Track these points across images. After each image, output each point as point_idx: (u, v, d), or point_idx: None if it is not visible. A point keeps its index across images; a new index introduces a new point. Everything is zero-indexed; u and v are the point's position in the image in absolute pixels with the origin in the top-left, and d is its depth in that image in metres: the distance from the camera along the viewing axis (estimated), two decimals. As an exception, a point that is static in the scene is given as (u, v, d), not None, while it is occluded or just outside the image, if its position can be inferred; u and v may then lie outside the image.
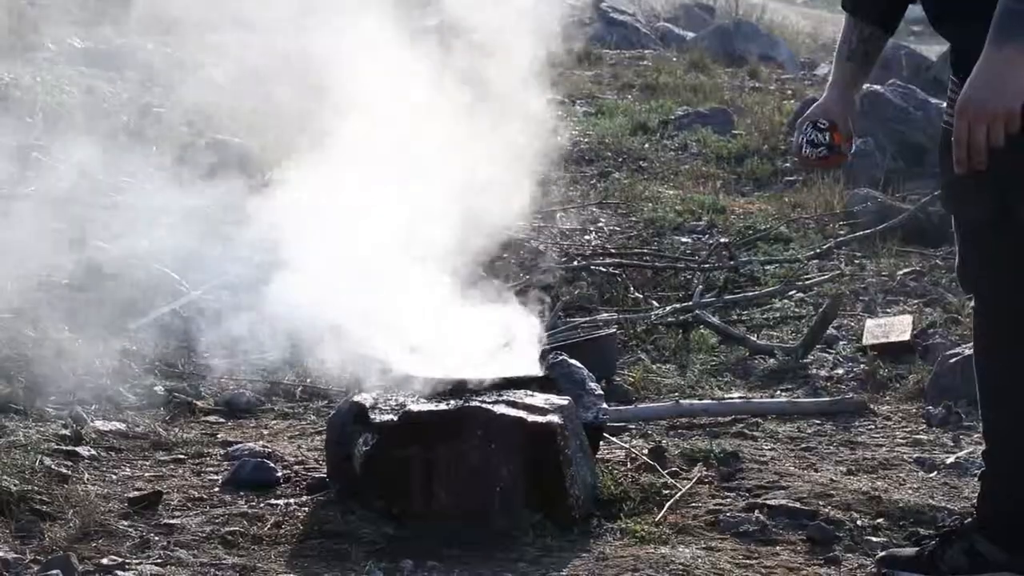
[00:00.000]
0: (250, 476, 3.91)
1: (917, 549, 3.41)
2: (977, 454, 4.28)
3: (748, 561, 3.44)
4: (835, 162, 3.42)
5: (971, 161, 2.91)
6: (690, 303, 6.08)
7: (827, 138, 3.34)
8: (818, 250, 7.05)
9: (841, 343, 5.64)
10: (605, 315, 5.93)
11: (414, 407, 3.61)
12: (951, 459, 4.26)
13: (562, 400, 3.73)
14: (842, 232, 7.40)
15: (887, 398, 5.04)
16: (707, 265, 6.72)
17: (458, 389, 3.72)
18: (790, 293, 6.34)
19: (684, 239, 7.35)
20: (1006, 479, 3.28)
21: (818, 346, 5.54)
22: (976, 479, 3.54)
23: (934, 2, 3.19)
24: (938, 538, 3.40)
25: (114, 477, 3.95)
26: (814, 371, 5.35)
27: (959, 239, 3.28)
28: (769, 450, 4.40)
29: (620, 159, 9.27)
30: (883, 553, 3.47)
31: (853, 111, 3.41)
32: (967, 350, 4.87)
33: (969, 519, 3.45)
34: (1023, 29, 2.84)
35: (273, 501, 3.76)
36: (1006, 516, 3.28)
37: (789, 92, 11.74)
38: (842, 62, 3.40)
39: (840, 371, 5.34)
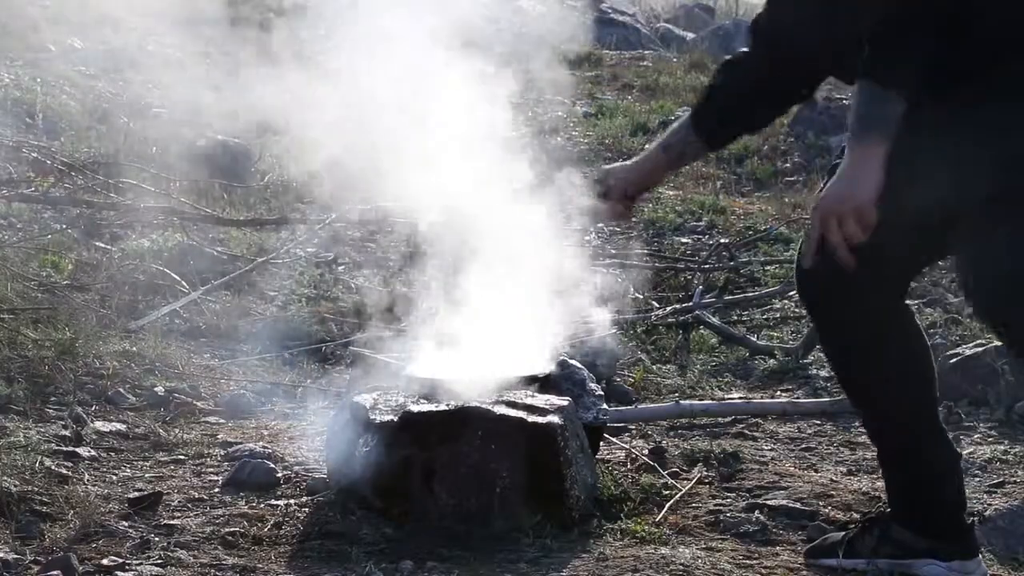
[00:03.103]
0: (250, 477, 3.91)
1: (842, 534, 3.43)
2: (978, 454, 4.29)
3: (748, 562, 3.44)
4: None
5: (835, 256, 2.91)
6: (690, 304, 6.08)
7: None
8: (818, 250, 7.04)
9: (841, 343, 5.63)
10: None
11: (414, 407, 3.61)
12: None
13: (562, 401, 3.73)
14: (842, 232, 7.39)
15: (887, 398, 5.03)
16: (707, 266, 6.72)
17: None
18: (790, 293, 6.34)
19: (684, 239, 7.35)
20: (896, 470, 3.30)
21: (818, 346, 5.54)
22: (975, 478, 3.55)
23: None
24: (861, 524, 3.42)
25: (114, 478, 3.94)
26: (814, 371, 5.35)
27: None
28: (769, 450, 4.40)
29: (620, 160, 9.27)
30: (810, 545, 3.49)
31: (638, 187, 3.48)
32: (967, 350, 4.88)
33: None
34: (871, 131, 2.87)
35: (273, 502, 3.76)
36: (915, 503, 3.28)
37: (789, 92, 11.73)
38: (659, 145, 3.44)
39: (840, 371, 5.33)
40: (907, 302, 3.26)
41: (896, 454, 3.29)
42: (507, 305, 3.96)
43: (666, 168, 3.49)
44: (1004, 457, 4.27)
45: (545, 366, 3.95)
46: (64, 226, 6.44)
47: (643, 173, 3.48)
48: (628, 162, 3.53)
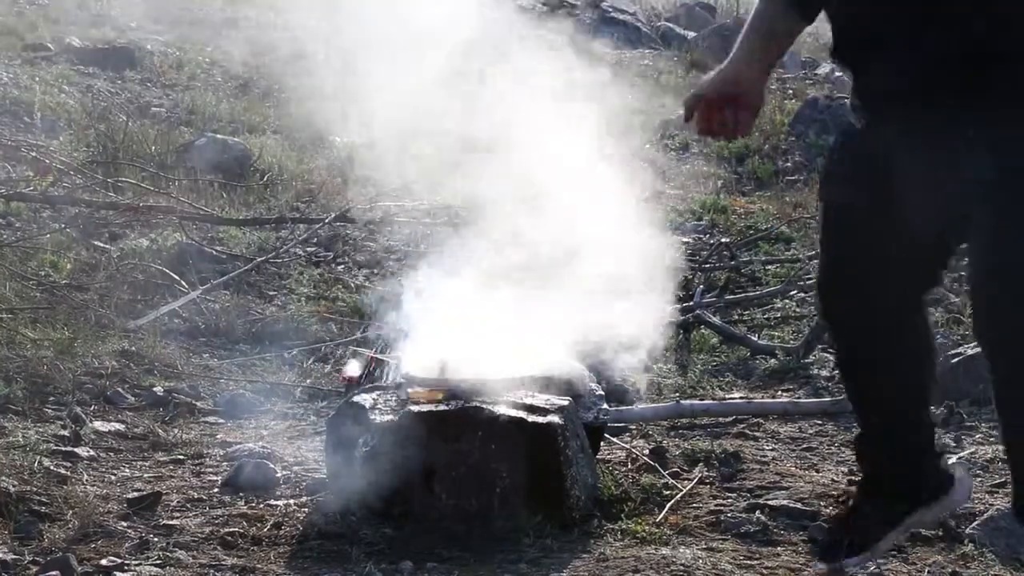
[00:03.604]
0: (249, 477, 3.90)
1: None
2: (980, 454, 4.28)
3: (749, 562, 3.43)
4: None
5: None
6: (691, 303, 6.07)
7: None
8: (819, 250, 7.04)
9: (842, 343, 5.62)
10: (605, 315, 5.92)
11: (414, 408, 3.60)
12: (953, 459, 4.24)
13: (562, 400, 3.72)
14: (843, 232, 7.37)
15: (888, 398, 5.02)
16: (708, 265, 6.71)
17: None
18: (791, 293, 6.33)
19: (685, 239, 7.34)
20: (880, 449, 3.28)
21: (819, 346, 5.53)
22: (977, 478, 3.53)
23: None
24: (850, 511, 3.38)
25: (113, 478, 3.93)
26: (815, 371, 5.34)
27: None
28: (770, 450, 4.39)
29: (621, 159, 9.27)
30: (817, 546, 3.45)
31: (728, 85, 3.16)
32: (969, 350, 4.86)
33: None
34: None
35: (272, 502, 3.75)
36: (899, 473, 3.23)
37: (790, 92, 11.74)
38: (746, 32, 3.16)
39: (841, 371, 5.32)
40: (925, 313, 3.22)
41: (882, 436, 3.25)
42: (506, 305, 3.95)
43: (756, 51, 3.14)
44: (1006, 457, 4.25)
45: (547, 367, 3.94)
46: (63, 225, 6.43)
47: (734, 66, 3.13)
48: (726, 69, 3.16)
